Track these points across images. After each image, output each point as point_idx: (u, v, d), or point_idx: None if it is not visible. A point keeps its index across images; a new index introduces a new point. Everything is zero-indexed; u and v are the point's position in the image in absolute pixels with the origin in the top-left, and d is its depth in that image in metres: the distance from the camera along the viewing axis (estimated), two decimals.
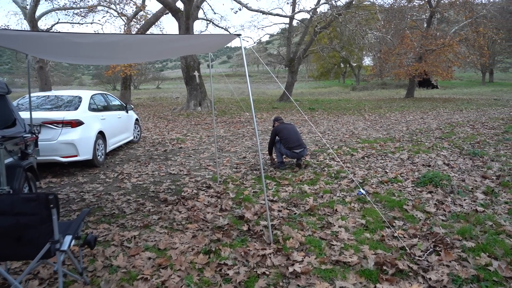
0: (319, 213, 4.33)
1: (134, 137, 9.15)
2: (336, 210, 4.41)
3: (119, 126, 8.06)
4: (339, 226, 3.93)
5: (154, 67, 61.86)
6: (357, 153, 7.80)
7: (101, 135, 6.90)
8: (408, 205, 4.57)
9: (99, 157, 6.73)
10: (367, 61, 59.04)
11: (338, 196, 4.96)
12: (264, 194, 3.62)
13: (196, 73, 17.60)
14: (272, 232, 3.67)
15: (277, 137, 6.67)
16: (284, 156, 6.65)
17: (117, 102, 8.71)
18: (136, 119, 9.48)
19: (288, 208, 4.49)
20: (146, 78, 50.44)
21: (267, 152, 6.86)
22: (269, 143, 6.64)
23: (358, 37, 21.17)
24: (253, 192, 5.11)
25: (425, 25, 30.19)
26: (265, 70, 75.23)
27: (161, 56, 5.01)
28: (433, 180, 5.42)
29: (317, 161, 7.09)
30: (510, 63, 47.70)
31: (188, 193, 5.07)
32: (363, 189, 5.25)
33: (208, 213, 4.28)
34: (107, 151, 7.21)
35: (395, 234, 3.72)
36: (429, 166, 6.68)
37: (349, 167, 6.56)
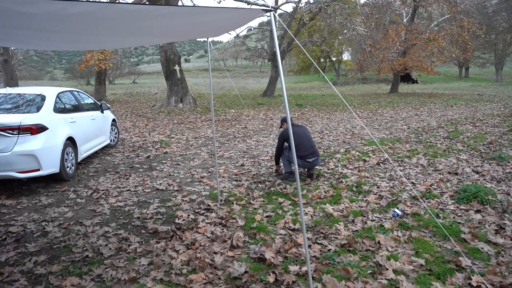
0: (359, 247, 3.34)
1: (111, 141, 7.92)
2: (379, 242, 3.43)
3: (93, 129, 6.83)
4: (394, 271, 2.95)
5: (129, 61, 59.65)
6: (369, 158, 6.88)
7: (70, 141, 5.68)
8: (464, 232, 3.65)
9: (68, 169, 5.52)
10: (346, 56, 58.87)
11: (372, 220, 3.99)
12: (303, 228, 2.59)
13: (177, 67, 16.34)
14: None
15: (285, 143, 5.64)
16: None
17: (90, 100, 7.45)
18: (113, 120, 8.24)
19: (318, 241, 3.48)
20: (122, 73, 48.29)
21: (274, 161, 5.84)
22: (276, 150, 5.61)
23: (348, 30, 20.33)
24: (266, 216, 4.07)
25: (404, 20, 29.81)
26: (244, 64, 73.99)
27: (156, 40, 3.88)
28: (477, 195, 4.53)
29: (329, 169, 6.12)
30: (486, 59, 48.29)
31: (183, 220, 3.98)
32: (398, 208, 4.32)
33: (215, 253, 3.21)
34: (79, 160, 5.99)
35: (473, 283, 2.77)
36: (456, 174, 5.83)
37: (367, 178, 5.61)
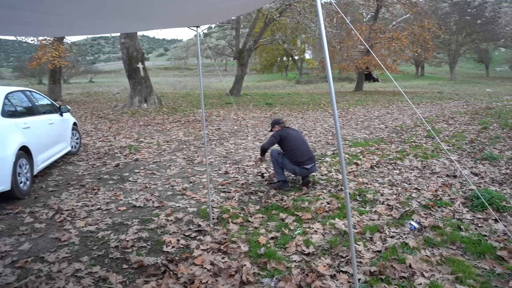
0: (391, 275, 2.81)
1: (72, 147, 6.96)
2: (410, 266, 2.93)
3: (51, 135, 5.90)
4: None
5: (85, 59, 56.73)
6: (361, 161, 6.45)
7: (24, 151, 4.76)
8: (497, 248, 3.23)
9: (22, 184, 4.61)
10: (308, 54, 59.35)
11: (391, 237, 3.49)
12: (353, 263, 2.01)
13: (140, 65, 15.30)
14: None
15: (278, 149, 5.05)
16: (286, 172, 5.07)
17: (46, 101, 6.48)
18: (74, 124, 7.27)
19: (340, 268, 2.91)
20: (78, 71, 45.64)
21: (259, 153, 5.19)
22: (266, 144, 4.95)
23: (318, 28, 20.05)
24: (271, 238, 3.46)
25: (365, 19, 30.28)
26: (206, 63, 72.76)
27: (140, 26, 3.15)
28: (492, 202, 4.18)
29: (322, 174, 5.61)
30: (441, 58, 50.39)
31: (173, 247, 3.28)
32: (413, 219, 3.87)
33: None
34: (35, 173, 5.07)
35: None
36: (455, 176, 5.51)
37: (367, 184, 5.15)
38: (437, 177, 5.50)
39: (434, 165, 6.14)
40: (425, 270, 2.90)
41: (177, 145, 8.20)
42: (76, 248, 3.23)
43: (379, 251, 3.22)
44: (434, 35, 28.36)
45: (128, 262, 2.99)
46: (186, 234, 3.53)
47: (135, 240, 3.40)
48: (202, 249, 3.21)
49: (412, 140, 8.50)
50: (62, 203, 4.43)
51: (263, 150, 5.00)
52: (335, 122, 2.07)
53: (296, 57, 55.49)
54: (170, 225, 3.77)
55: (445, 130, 9.87)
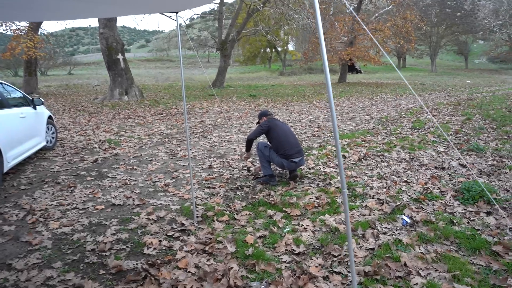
0: (387, 274, 2.68)
1: (47, 142, 6.61)
2: (405, 265, 2.80)
3: (24, 129, 5.54)
4: None
5: (63, 50, 55.15)
6: (348, 153, 6.33)
7: None
8: (491, 243, 3.14)
9: None
10: (291, 46, 59.16)
11: (384, 233, 3.36)
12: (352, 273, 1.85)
13: (120, 56, 14.82)
14: None
15: (265, 142, 4.86)
16: (273, 165, 4.89)
17: (17, 94, 6.10)
18: (49, 117, 6.90)
19: (333, 268, 2.76)
20: (55, 63, 44.28)
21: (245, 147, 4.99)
22: (252, 135, 4.75)
23: (302, 19, 19.89)
24: (259, 236, 3.28)
25: (348, 11, 30.22)
26: (188, 54, 71.79)
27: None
28: (483, 195, 4.10)
29: (309, 168, 5.45)
30: (422, 50, 50.96)
31: (155, 249, 3.06)
32: (405, 214, 3.75)
33: None
34: (5, 170, 4.74)
35: None
36: (443, 168, 5.45)
37: (356, 177, 5.02)
38: (426, 169, 5.42)
39: (422, 157, 6.07)
40: (421, 269, 2.77)
41: (159, 139, 7.92)
42: (48, 253, 2.98)
43: (372, 249, 3.08)
44: (416, 27, 28.52)
45: (105, 267, 2.76)
46: (169, 234, 3.32)
47: (113, 242, 3.16)
48: (185, 251, 3.00)
49: (398, 131, 8.44)
50: (35, 202, 4.14)
51: (249, 141, 4.80)
52: (333, 121, 1.89)
53: (279, 49, 55.27)
54: (152, 224, 3.54)
55: (430, 121, 9.87)
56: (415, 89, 21.73)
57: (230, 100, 16.28)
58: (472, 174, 5.13)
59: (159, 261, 2.82)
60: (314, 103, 15.14)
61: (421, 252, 3.01)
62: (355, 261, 2.87)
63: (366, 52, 28.01)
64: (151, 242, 3.13)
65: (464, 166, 5.51)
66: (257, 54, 55.37)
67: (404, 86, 24.46)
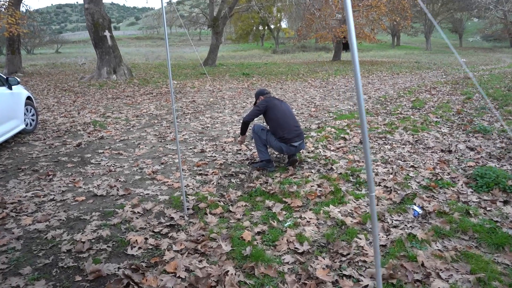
0: (403, 277, 2.36)
1: (26, 125, 6.15)
2: (423, 265, 2.49)
3: None
4: None
5: (50, 28, 53.47)
6: (348, 135, 5.98)
7: None
8: None
9: None
10: (284, 23, 57.96)
11: (395, 226, 3.04)
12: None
13: (107, 33, 14.12)
14: None
15: (261, 124, 4.48)
16: (270, 149, 4.52)
17: None
18: (28, 98, 6.41)
19: (342, 270, 2.43)
20: (42, 41, 42.89)
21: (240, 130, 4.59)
22: (248, 116, 4.31)
23: None
24: (258, 233, 2.93)
25: None
26: (179, 32, 70.14)
27: None
28: (498, 182, 3.79)
29: (309, 151, 5.09)
30: (417, 28, 50.26)
31: (140, 248, 2.70)
32: (415, 204, 3.43)
33: None
34: None
35: None
36: (450, 151, 5.13)
37: (358, 162, 4.68)
38: (432, 152, 5.10)
39: (426, 139, 5.75)
40: (441, 269, 2.46)
41: (148, 120, 7.48)
42: (17, 256, 2.60)
43: (384, 246, 2.76)
44: (412, 3, 27.83)
45: (82, 273, 2.40)
46: (156, 230, 2.96)
47: (93, 240, 2.80)
48: (175, 251, 2.65)
49: (398, 111, 8.10)
50: (8, 193, 3.74)
51: (245, 124, 4.39)
52: (361, 118, 1.49)
53: (272, 26, 54.10)
54: (137, 218, 3.18)
55: (430, 101, 9.53)
56: (411, 68, 21.32)
57: (222, 79, 15.75)
58: (481, 157, 4.83)
59: (144, 264, 2.47)
60: (309, 81, 14.70)
61: (439, 249, 2.70)
62: (366, 261, 2.55)
63: (361, 30, 27.34)
64: (136, 240, 2.77)
65: (472, 149, 5.20)
66: (250, 32, 54.18)
67: (400, 64, 24.03)
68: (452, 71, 19.13)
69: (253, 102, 4.56)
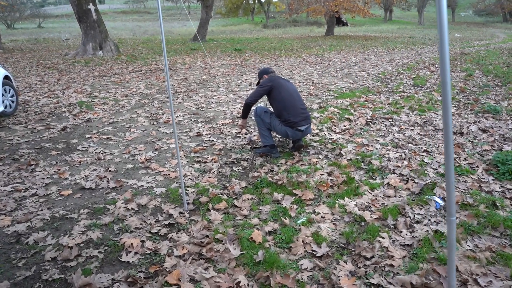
0: (438, 287, 2.08)
1: (5, 107, 5.67)
2: (457, 270, 2.21)
3: None
4: None
5: (31, 1, 51.23)
6: (353, 116, 5.65)
7: None
8: None
9: None
10: None
11: (418, 222, 2.75)
12: None
13: (91, 7, 13.35)
14: None
15: (264, 106, 4.10)
16: (273, 133, 4.17)
17: None
18: (6, 77, 5.90)
19: (368, 278, 2.14)
20: (23, 15, 41.06)
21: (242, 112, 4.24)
22: (251, 97, 3.94)
23: None
24: (269, 232, 2.62)
25: None
26: (167, 6, 67.99)
27: None
28: None
29: (313, 135, 4.76)
30: (410, 2, 49.37)
31: (136, 254, 2.37)
32: (436, 194, 3.15)
33: None
34: None
35: None
36: (462, 133, 4.85)
37: (367, 146, 4.37)
38: (443, 134, 4.80)
39: (435, 120, 5.46)
40: (477, 274, 2.19)
41: (138, 100, 7.03)
42: None
43: (410, 245, 2.47)
44: None
45: (69, 287, 2.07)
46: (153, 231, 2.62)
47: (81, 245, 2.45)
48: (176, 256, 2.33)
49: (400, 89, 7.77)
50: None
51: (247, 106, 4.01)
52: (446, 116, 1.13)
53: (262, 0, 52.69)
54: (131, 216, 2.83)
55: (430, 78, 9.21)
56: (405, 43, 20.88)
57: (214, 55, 15.17)
58: (495, 140, 4.56)
59: (141, 275, 2.14)
60: (304, 57, 14.21)
61: (471, 250, 2.42)
62: (393, 265, 2.26)
63: (354, 3, 26.65)
64: (131, 243, 2.43)
65: (484, 131, 4.93)
66: (240, 6, 52.72)
67: (394, 40, 23.54)
68: (448, 46, 18.73)
69: (257, 82, 4.14)
